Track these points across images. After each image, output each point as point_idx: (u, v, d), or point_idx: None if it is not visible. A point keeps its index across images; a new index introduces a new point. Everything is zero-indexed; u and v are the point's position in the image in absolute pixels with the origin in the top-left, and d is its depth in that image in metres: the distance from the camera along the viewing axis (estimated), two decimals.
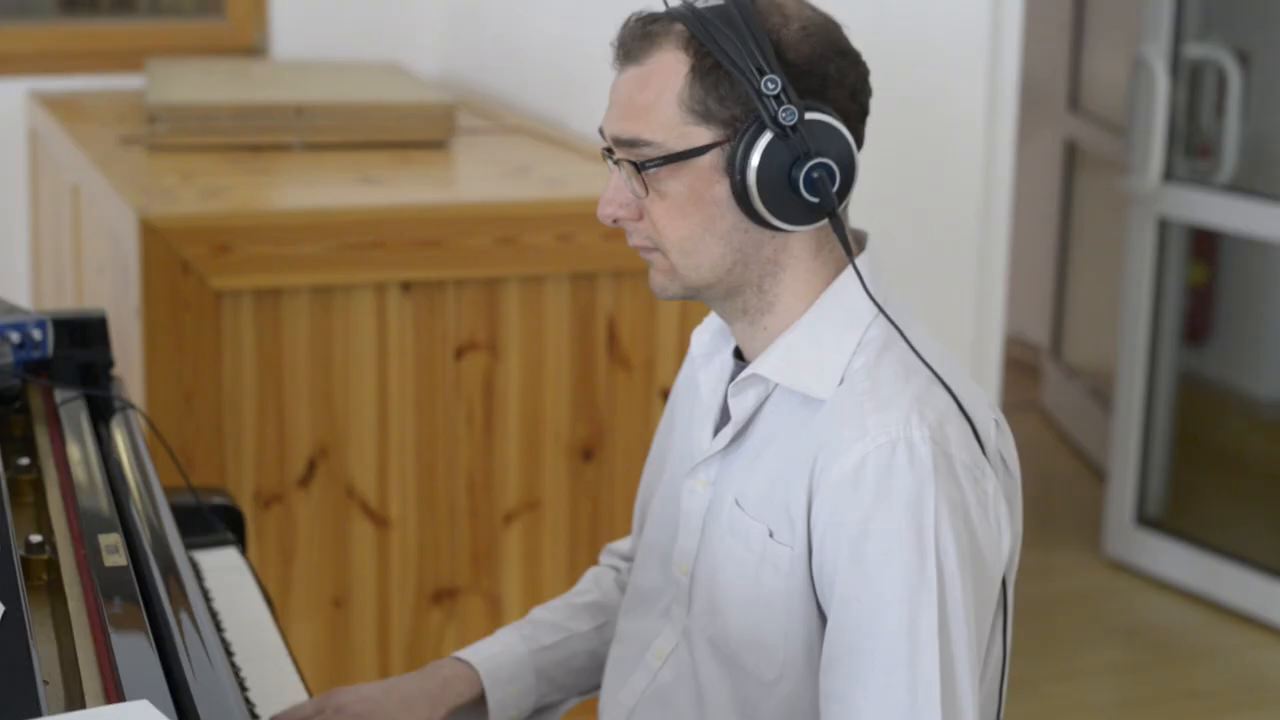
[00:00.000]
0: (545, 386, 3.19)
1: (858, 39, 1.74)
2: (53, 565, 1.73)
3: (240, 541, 2.40)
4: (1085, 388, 5.35)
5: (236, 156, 3.52)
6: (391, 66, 4.32)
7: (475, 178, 3.63)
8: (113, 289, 3.22)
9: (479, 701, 1.97)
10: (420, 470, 3.15)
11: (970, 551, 1.66)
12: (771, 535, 1.72)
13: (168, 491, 2.21)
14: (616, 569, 2.11)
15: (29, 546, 1.74)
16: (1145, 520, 4.50)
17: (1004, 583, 1.75)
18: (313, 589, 3.11)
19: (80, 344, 2.30)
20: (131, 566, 1.74)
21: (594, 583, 2.09)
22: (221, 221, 3.00)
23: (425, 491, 3.14)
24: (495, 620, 3.17)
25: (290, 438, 3.07)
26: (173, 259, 2.94)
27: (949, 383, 1.70)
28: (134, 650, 1.55)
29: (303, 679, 2.09)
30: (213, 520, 2.37)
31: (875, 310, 1.72)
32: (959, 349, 3.48)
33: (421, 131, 3.68)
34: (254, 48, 4.57)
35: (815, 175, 1.65)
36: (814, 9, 1.71)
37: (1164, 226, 4.35)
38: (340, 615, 3.13)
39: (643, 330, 3.20)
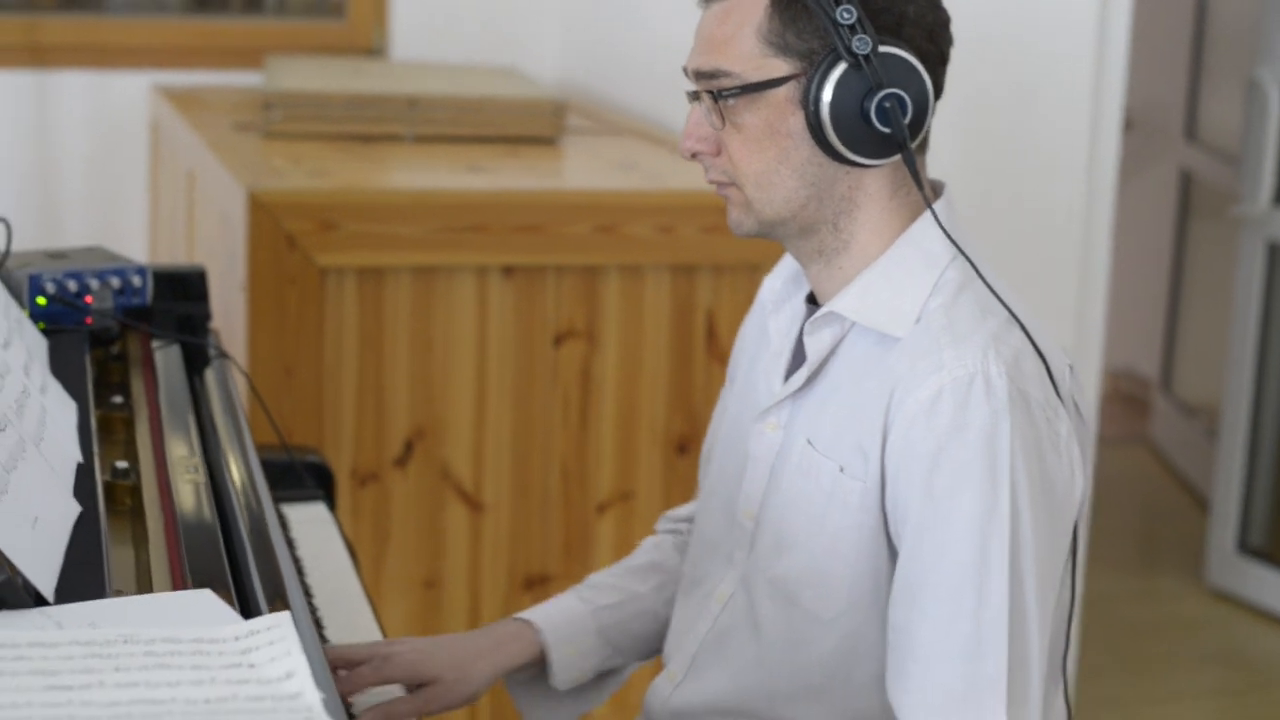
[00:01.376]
0: (642, 378, 3.20)
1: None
2: (135, 492, 1.77)
3: (329, 500, 2.43)
4: (1195, 421, 5.30)
5: (348, 145, 3.57)
6: (506, 69, 4.36)
7: (579, 169, 3.66)
8: (220, 267, 3.28)
9: (539, 662, 1.98)
10: (515, 456, 3.17)
11: (1043, 487, 1.66)
12: (842, 471, 1.73)
13: (261, 449, 2.24)
14: (677, 531, 2.12)
15: (114, 472, 1.77)
16: (1248, 549, 4.44)
17: (1075, 533, 1.74)
18: (405, 569, 3.13)
19: (180, 297, 2.34)
20: (213, 499, 1.77)
21: (652, 546, 2.10)
22: (328, 198, 3.05)
23: (520, 477, 3.17)
24: None
25: (388, 417, 3.10)
26: (279, 234, 2.99)
27: (1027, 325, 1.70)
28: (208, 567, 1.57)
29: (381, 629, 2.11)
30: (303, 475, 2.40)
31: (952, 253, 1.73)
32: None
33: (531, 127, 3.72)
34: (373, 49, 4.64)
35: (887, 105, 1.67)
36: None
37: (1274, 251, 4.31)
38: (431, 596, 3.16)
39: None
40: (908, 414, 1.66)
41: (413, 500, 3.12)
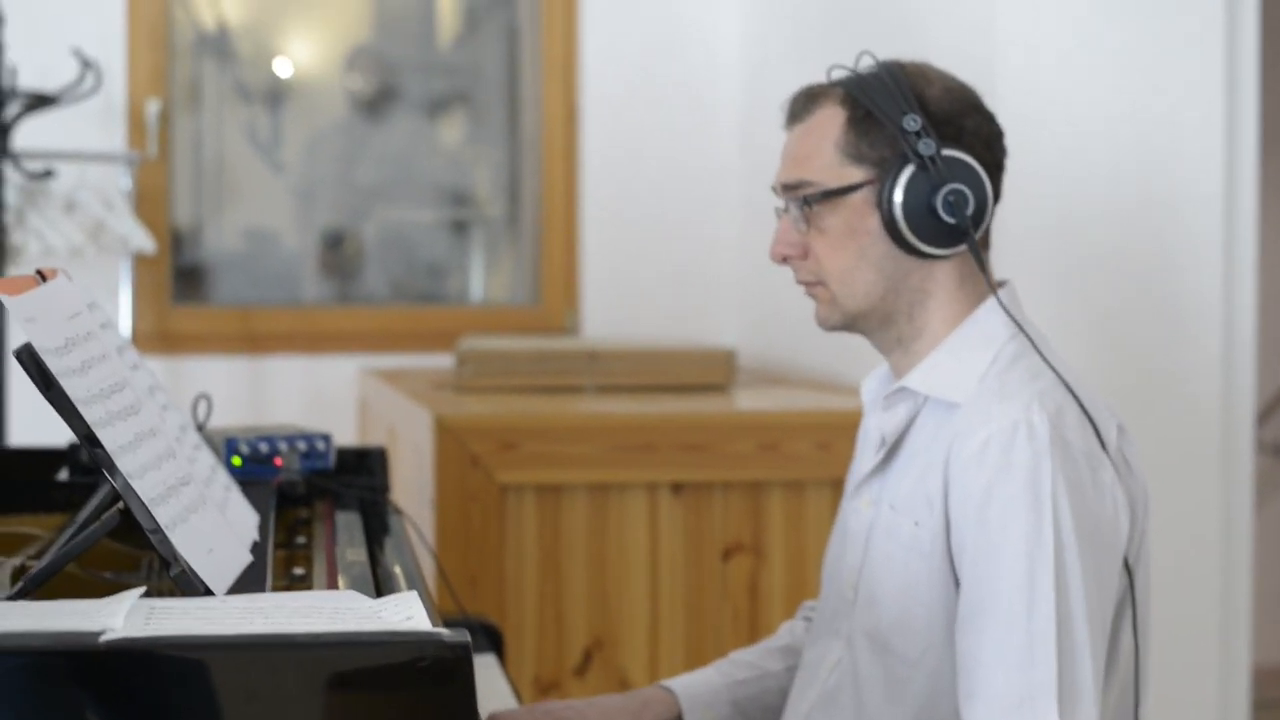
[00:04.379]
0: (807, 589, 3.37)
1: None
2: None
3: (499, 657, 2.62)
4: None
5: (533, 396, 3.84)
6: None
7: (747, 401, 3.89)
8: (413, 499, 3.53)
9: None
10: (689, 665, 3.31)
11: (1086, 521, 1.83)
12: (916, 524, 1.92)
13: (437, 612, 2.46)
14: (809, 619, 2.29)
15: (290, 577, 1.99)
16: None
17: (1130, 572, 1.89)
18: None
19: (361, 471, 2.58)
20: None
21: (788, 631, 2.29)
22: (507, 421, 3.30)
23: None
24: None
25: (568, 627, 3.30)
26: (463, 453, 3.24)
27: (1074, 388, 1.89)
28: None
29: None
30: (477, 633, 2.60)
31: (1011, 332, 1.94)
32: (1205, 459, 3.49)
33: (704, 376, 3.97)
34: (564, 329, 4.95)
35: (951, 199, 1.91)
36: (956, 77, 2.00)
37: None
38: None
39: None
40: (962, 461, 1.86)
41: None
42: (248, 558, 1.76)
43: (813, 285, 2.03)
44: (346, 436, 4.83)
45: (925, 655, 1.93)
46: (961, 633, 1.86)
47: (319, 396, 4.85)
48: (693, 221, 5.02)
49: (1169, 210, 3.41)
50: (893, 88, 1.94)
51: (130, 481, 1.54)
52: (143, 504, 1.54)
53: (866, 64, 2.00)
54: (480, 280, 5.38)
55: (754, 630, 3.35)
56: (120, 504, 1.57)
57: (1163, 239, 3.42)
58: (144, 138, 4.63)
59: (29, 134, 4.34)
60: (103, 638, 1.27)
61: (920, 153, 1.92)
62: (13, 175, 4.25)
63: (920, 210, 1.93)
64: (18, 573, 1.89)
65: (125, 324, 4.52)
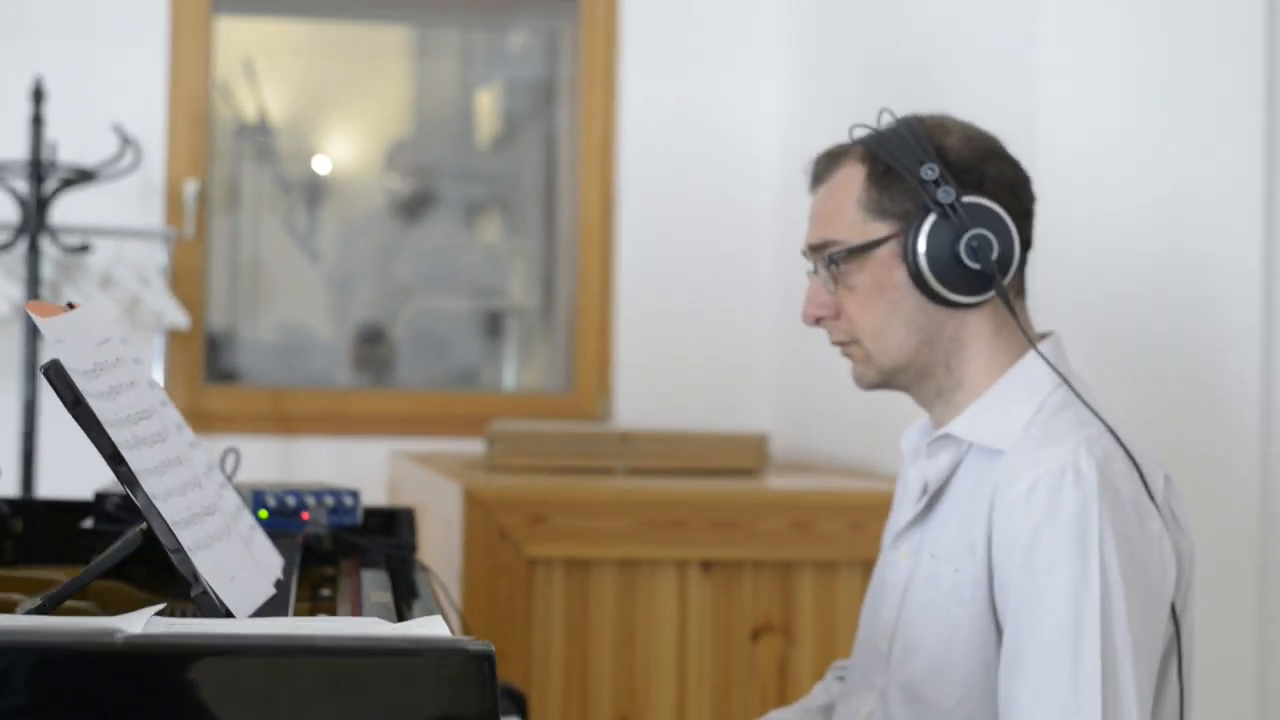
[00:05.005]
0: None
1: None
2: None
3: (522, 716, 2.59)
4: None
5: (563, 477, 3.82)
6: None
7: (778, 482, 3.86)
8: (441, 569, 3.51)
9: None
10: None
11: (1134, 568, 1.80)
12: (957, 571, 1.88)
13: None
14: (841, 678, 2.26)
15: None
16: None
17: (1177, 620, 1.86)
18: None
19: (389, 532, 2.57)
20: None
21: (823, 690, 2.25)
22: (537, 494, 3.28)
23: None
24: None
25: (593, 701, 3.26)
26: (492, 526, 3.22)
27: (1121, 437, 1.87)
28: None
29: None
30: (500, 692, 2.57)
31: (1056, 382, 1.91)
32: (1243, 516, 3.44)
33: (736, 460, 3.95)
34: (597, 417, 4.94)
35: (975, 245, 1.89)
36: (976, 126, 1.99)
37: None
38: None
39: None
40: (1008, 505, 1.83)
41: None
42: (271, 590, 1.74)
43: (847, 344, 2.02)
44: None
45: (960, 705, 1.89)
46: (1004, 678, 1.82)
47: (349, 477, 4.83)
48: (728, 309, 5.01)
49: (1205, 272, 3.39)
50: (911, 140, 1.94)
51: (154, 502, 1.53)
52: (165, 524, 1.53)
53: (887, 120, 2.00)
54: (513, 371, 5.38)
55: None
56: (144, 524, 1.56)
57: (1200, 297, 3.40)
58: (181, 216, 4.65)
59: (67, 209, 4.36)
60: (120, 636, 1.25)
61: (940, 201, 1.91)
62: (50, 249, 4.27)
63: (945, 259, 1.92)
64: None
65: None
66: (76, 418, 1.52)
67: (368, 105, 5.41)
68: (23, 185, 4.18)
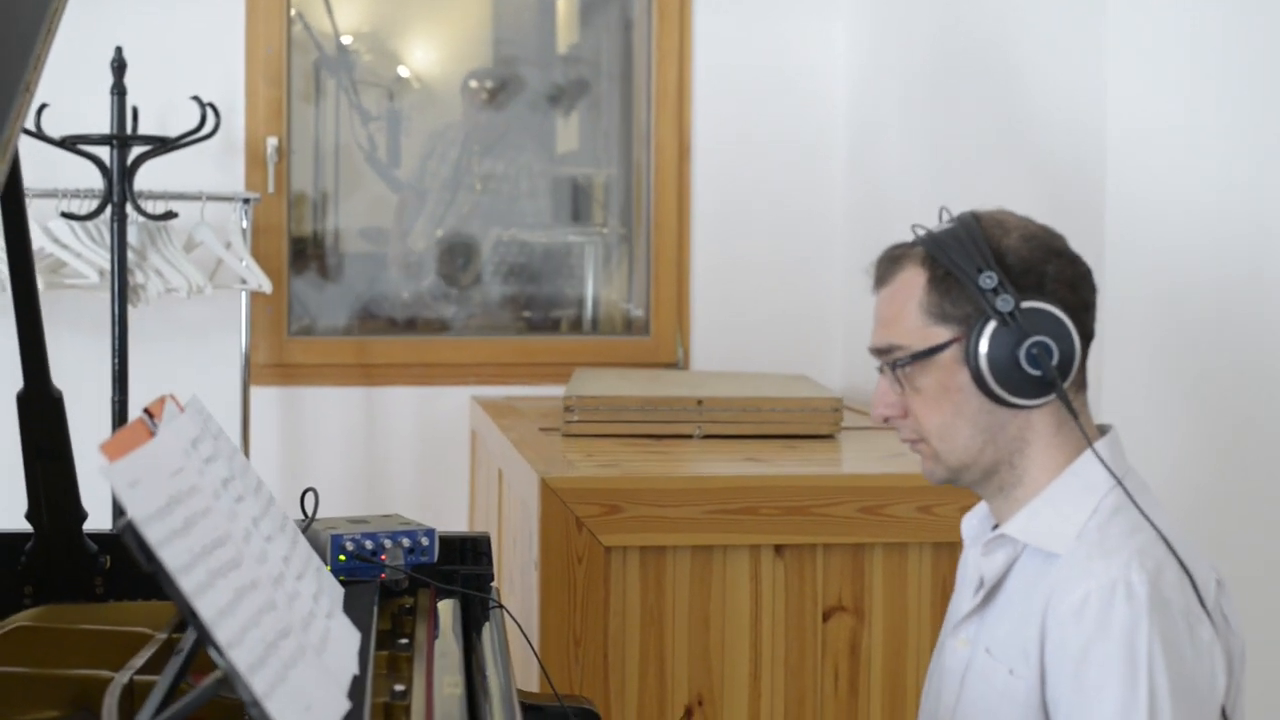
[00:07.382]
0: (907, 651, 3.40)
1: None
2: (407, 711, 2.05)
3: None
4: None
5: (639, 443, 3.89)
6: (798, 376, 4.66)
7: (850, 459, 3.91)
8: (520, 551, 3.60)
9: None
10: None
11: (1183, 681, 1.85)
12: (1011, 673, 1.94)
13: (537, 697, 2.52)
14: None
15: (392, 694, 2.06)
16: None
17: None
18: None
19: (467, 560, 2.64)
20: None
21: None
22: (612, 484, 3.35)
23: None
24: None
25: (670, 685, 3.35)
26: (568, 516, 3.29)
27: (1173, 543, 1.91)
28: None
29: None
30: (571, 715, 2.65)
31: (1112, 482, 1.95)
32: None
33: (810, 425, 4.00)
34: (674, 362, 5.00)
35: (1035, 352, 1.92)
36: (1036, 222, 2.01)
37: None
38: None
39: None
40: (1060, 616, 1.88)
41: None
42: (345, 705, 1.81)
43: (916, 442, 2.07)
44: (459, 468, 4.91)
45: None
46: None
47: (432, 425, 4.93)
48: (799, 261, 5.04)
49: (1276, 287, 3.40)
50: (969, 243, 1.97)
51: (227, 653, 1.60)
52: (239, 674, 1.60)
53: (946, 219, 2.03)
54: (592, 291, 5.40)
55: (853, 690, 3.38)
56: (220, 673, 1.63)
57: (1274, 284, 3.40)
58: (263, 176, 4.71)
59: (149, 174, 4.43)
60: None
61: (1000, 310, 1.94)
62: (135, 216, 4.34)
63: (1006, 365, 1.95)
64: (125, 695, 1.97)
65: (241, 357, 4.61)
66: (152, 574, 1.59)
67: (449, 14, 5.40)
68: (106, 154, 4.24)
